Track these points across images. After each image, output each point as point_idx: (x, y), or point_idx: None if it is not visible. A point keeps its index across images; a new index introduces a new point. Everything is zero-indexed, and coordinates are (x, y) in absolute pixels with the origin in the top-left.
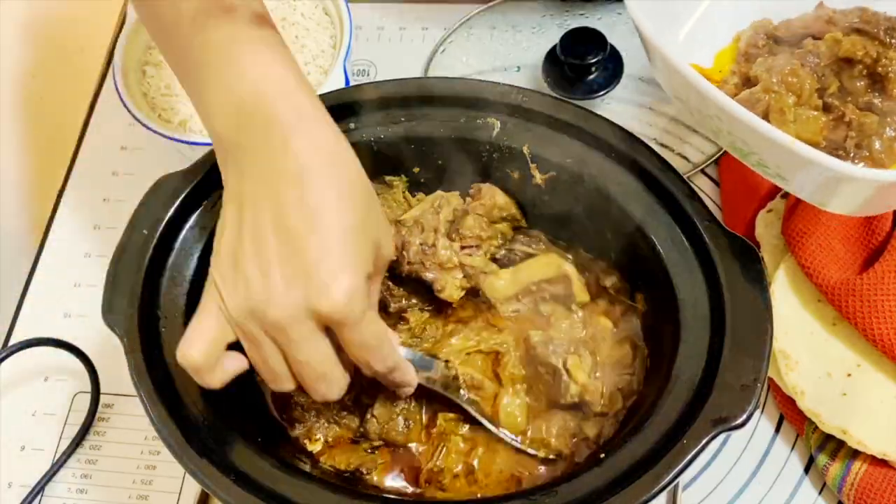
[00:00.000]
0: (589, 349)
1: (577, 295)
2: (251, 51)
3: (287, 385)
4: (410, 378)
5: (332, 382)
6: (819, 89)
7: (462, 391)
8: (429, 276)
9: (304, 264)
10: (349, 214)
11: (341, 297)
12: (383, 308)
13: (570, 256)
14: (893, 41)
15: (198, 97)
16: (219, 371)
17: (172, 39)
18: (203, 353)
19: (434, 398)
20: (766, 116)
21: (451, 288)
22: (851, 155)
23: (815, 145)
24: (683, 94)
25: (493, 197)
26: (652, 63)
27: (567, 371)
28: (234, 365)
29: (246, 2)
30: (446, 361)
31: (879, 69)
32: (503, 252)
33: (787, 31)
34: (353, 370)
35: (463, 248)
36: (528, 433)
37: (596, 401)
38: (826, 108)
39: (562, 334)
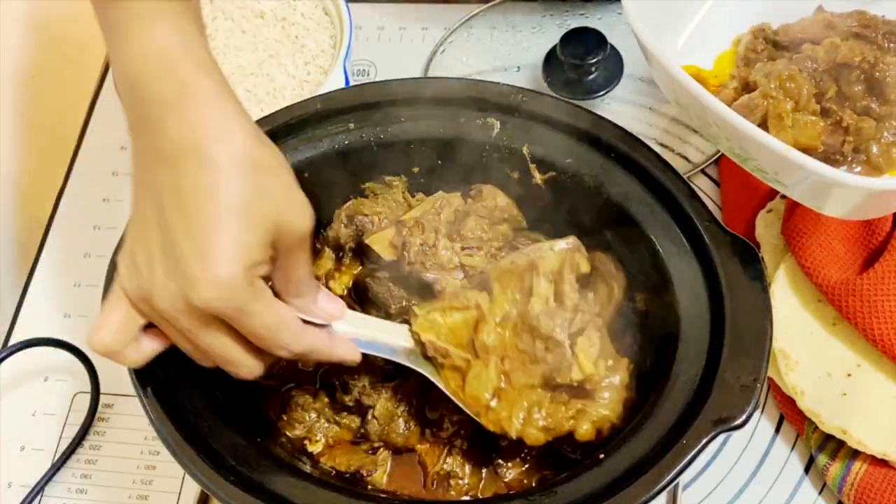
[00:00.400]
0: (598, 330)
1: (580, 265)
2: (144, 28)
3: (205, 363)
4: (340, 355)
5: (240, 366)
6: (817, 94)
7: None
8: (429, 276)
9: (176, 257)
10: (225, 198)
11: (210, 292)
12: (385, 310)
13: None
14: (891, 45)
15: (113, 77)
16: (133, 352)
17: (98, 17)
18: (111, 337)
19: (440, 399)
20: (764, 122)
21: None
22: (849, 159)
23: (813, 150)
24: (683, 100)
25: (494, 198)
26: (651, 68)
27: (573, 352)
28: (152, 345)
29: None
30: (409, 325)
31: (877, 74)
32: (504, 253)
33: (785, 36)
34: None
35: (463, 248)
36: (494, 408)
37: (598, 389)
38: (824, 113)
39: (567, 308)
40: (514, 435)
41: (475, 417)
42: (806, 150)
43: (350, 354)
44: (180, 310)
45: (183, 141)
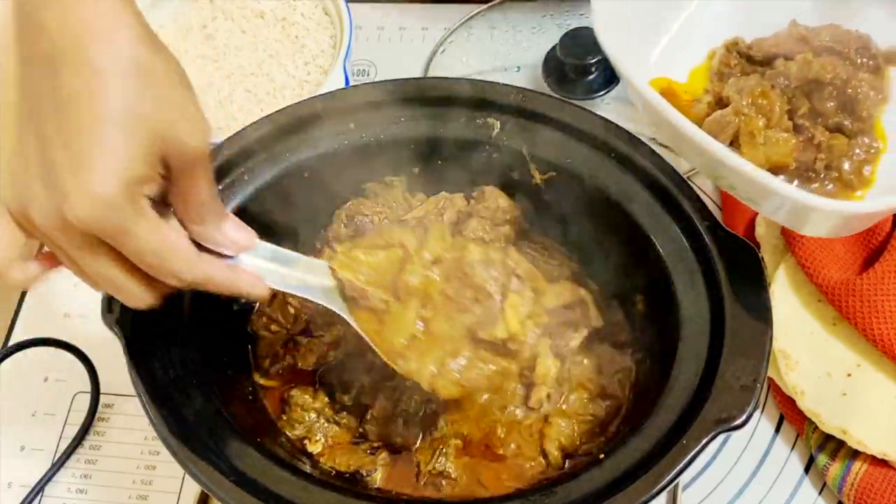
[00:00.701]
0: (533, 291)
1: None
2: None
3: (98, 289)
4: (242, 289)
5: (128, 294)
6: (789, 110)
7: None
8: None
9: (52, 167)
10: (104, 105)
11: (84, 208)
12: None
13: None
14: (863, 60)
15: None
16: (17, 271)
17: None
18: None
19: (438, 400)
20: (736, 139)
21: None
22: (822, 176)
23: (785, 167)
24: (654, 118)
25: (496, 199)
26: (625, 85)
27: (502, 307)
28: (39, 267)
29: None
30: (330, 266)
31: (849, 91)
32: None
33: (759, 50)
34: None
35: None
36: (407, 354)
37: (523, 351)
38: (797, 130)
39: (504, 262)
40: (425, 386)
41: (390, 364)
42: (778, 167)
43: (255, 289)
44: (57, 227)
45: (62, 40)
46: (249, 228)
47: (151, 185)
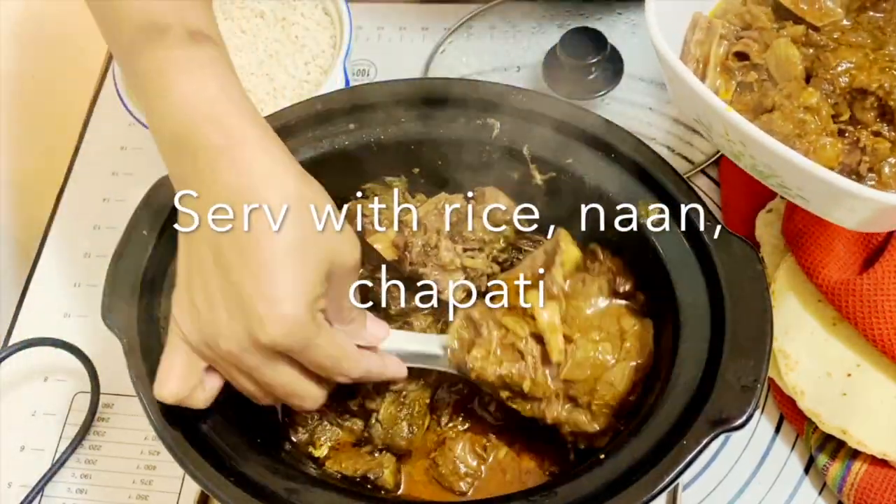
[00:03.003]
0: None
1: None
2: (181, 79)
3: (265, 401)
4: (391, 374)
5: (304, 398)
6: (833, 116)
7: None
8: (431, 276)
9: (240, 298)
10: (283, 238)
11: (278, 330)
12: (385, 312)
13: None
14: None
15: (148, 124)
16: (200, 393)
17: (120, 62)
18: (178, 386)
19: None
20: (786, 142)
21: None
22: (864, 178)
23: (830, 170)
24: (706, 120)
25: (497, 199)
26: (671, 89)
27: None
28: (216, 382)
29: (181, 18)
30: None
31: (891, 102)
32: (505, 256)
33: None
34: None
35: (465, 250)
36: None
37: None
38: (840, 134)
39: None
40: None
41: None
42: None
43: (399, 372)
44: (247, 349)
45: (238, 186)
46: (382, 321)
47: (323, 301)
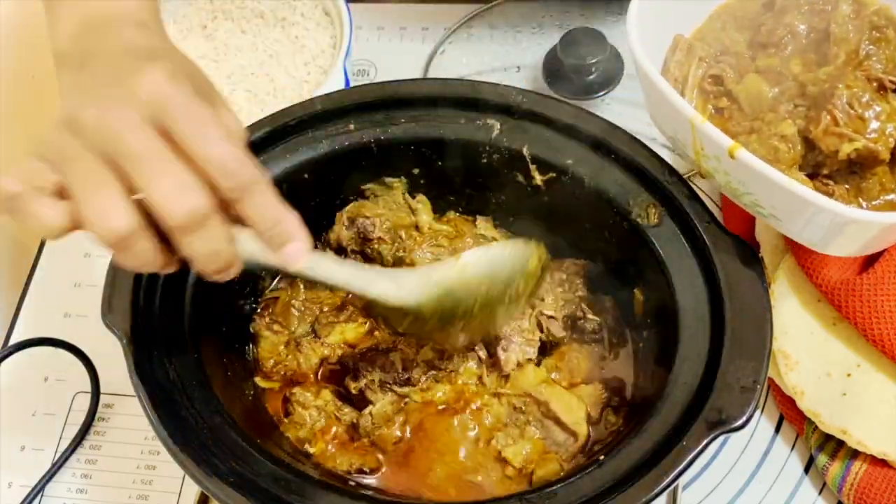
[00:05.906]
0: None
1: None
2: None
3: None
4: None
5: (185, 189)
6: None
7: None
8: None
9: (120, 75)
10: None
11: (159, 74)
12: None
13: None
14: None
15: (50, 16)
16: (46, 206)
17: None
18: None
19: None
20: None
21: None
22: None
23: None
24: (682, 136)
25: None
26: (649, 105)
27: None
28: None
29: None
30: None
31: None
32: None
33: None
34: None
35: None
36: None
37: None
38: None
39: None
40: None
41: None
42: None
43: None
44: (119, 107)
45: (139, 45)
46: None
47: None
